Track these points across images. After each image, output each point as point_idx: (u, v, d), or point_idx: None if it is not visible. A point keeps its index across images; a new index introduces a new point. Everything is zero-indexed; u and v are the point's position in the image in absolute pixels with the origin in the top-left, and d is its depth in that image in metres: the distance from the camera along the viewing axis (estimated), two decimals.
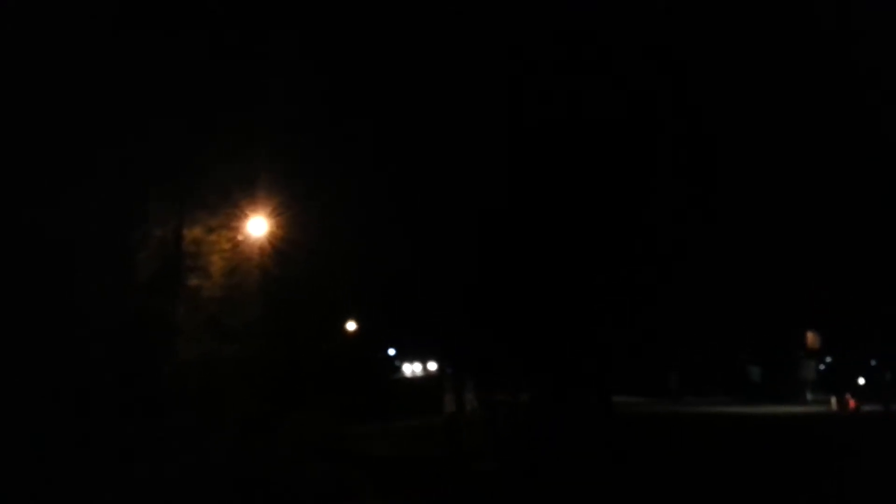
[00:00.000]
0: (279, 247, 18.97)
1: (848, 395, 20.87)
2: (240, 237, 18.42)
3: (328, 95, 20.38)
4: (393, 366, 56.65)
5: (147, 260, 16.96)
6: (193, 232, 17.61)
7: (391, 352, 51.88)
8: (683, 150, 20.00)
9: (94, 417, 12.87)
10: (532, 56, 19.12)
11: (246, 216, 18.23)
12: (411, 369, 65.92)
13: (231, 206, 18.01)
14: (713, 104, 20.59)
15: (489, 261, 21.10)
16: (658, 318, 21.63)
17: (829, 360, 22.37)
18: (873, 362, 21.53)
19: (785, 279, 24.11)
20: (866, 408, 20.29)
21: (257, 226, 18.38)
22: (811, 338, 23.30)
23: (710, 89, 21.25)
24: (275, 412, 16.98)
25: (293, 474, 12.79)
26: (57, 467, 11.05)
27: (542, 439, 16.76)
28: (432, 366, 60.69)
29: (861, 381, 21.78)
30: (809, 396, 23.59)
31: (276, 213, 18.83)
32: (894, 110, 20.86)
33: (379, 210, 22.53)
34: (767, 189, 21.95)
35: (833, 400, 21.08)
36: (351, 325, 32.25)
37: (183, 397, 15.44)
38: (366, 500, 9.84)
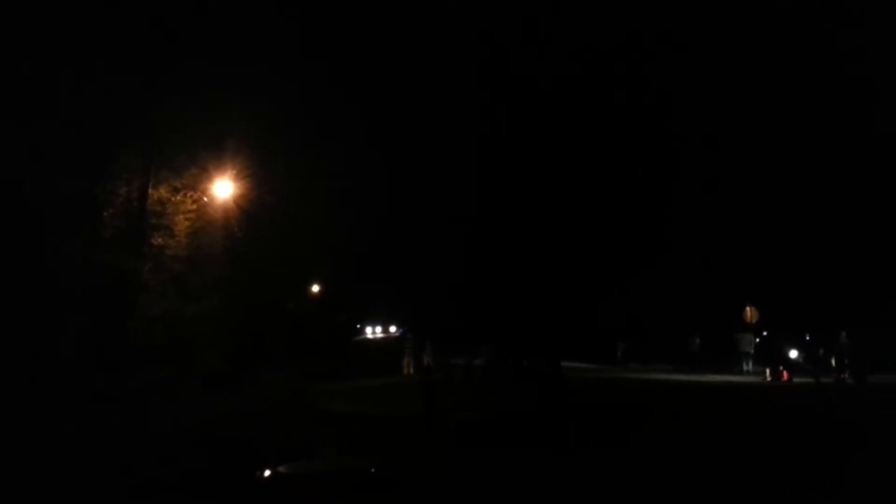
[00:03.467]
0: (245, 209, 19.30)
1: (781, 367, 22.14)
2: (205, 199, 18.70)
3: (300, 58, 20.43)
4: (355, 327, 57.37)
5: (112, 218, 17.14)
6: (159, 191, 17.79)
7: (353, 313, 52.47)
8: (639, 129, 20.70)
9: (62, 373, 13.17)
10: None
11: (212, 178, 18.50)
12: (372, 330, 66.78)
13: (197, 167, 18.24)
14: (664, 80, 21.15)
15: (455, 234, 21.72)
16: (606, 294, 22.70)
17: (765, 333, 23.66)
18: (807, 337, 22.86)
19: (728, 257, 25.45)
20: (798, 380, 21.59)
21: (223, 188, 18.68)
22: (749, 312, 24.55)
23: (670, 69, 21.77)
24: (239, 369, 17.46)
25: (258, 429, 13.28)
26: (25, 423, 11.33)
27: (497, 397, 17.76)
28: (392, 328, 61.58)
29: (794, 354, 23.12)
30: (747, 367, 24.93)
31: (243, 175, 19.12)
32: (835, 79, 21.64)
33: (348, 174, 22.86)
34: (711, 167, 22.87)
35: (767, 371, 22.37)
36: (315, 287, 32.77)
37: (149, 353, 15.84)
38: (331, 455, 10.41)
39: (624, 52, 19.46)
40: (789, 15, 20.73)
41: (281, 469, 7.14)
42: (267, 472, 7.00)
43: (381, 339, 58.15)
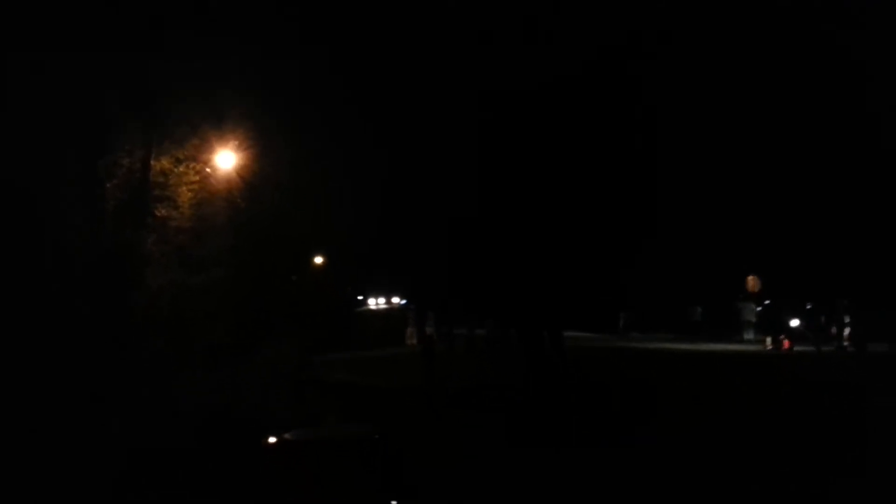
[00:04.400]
0: (248, 180, 19.26)
1: (782, 336, 22.24)
2: (208, 169, 18.64)
3: (302, 29, 20.22)
4: (358, 299, 57.63)
5: (115, 189, 17.13)
6: (161, 163, 17.74)
7: (356, 285, 52.67)
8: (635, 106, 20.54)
9: (66, 347, 13.26)
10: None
11: (214, 149, 18.43)
12: (375, 302, 67.06)
13: (200, 138, 18.15)
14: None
15: (455, 207, 21.67)
16: (608, 265, 22.75)
17: (767, 302, 23.75)
18: (808, 306, 22.92)
19: (729, 227, 25.44)
20: (798, 348, 21.72)
21: (226, 159, 18.62)
22: (752, 281, 24.54)
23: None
24: (243, 341, 17.59)
25: (261, 400, 13.45)
26: (29, 397, 11.43)
27: (495, 366, 17.97)
28: (396, 300, 61.83)
29: (796, 322, 23.19)
30: (748, 336, 25.04)
31: (245, 146, 19.04)
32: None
33: (351, 147, 22.72)
34: (713, 139, 22.75)
35: (768, 340, 22.48)
36: (319, 259, 32.89)
37: (153, 326, 15.95)
38: (334, 423, 10.56)
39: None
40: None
41: (286, 436, 7.26)
42: (272, 439, 7.13)
43: (385, 310, 58.49)
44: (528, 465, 9.31)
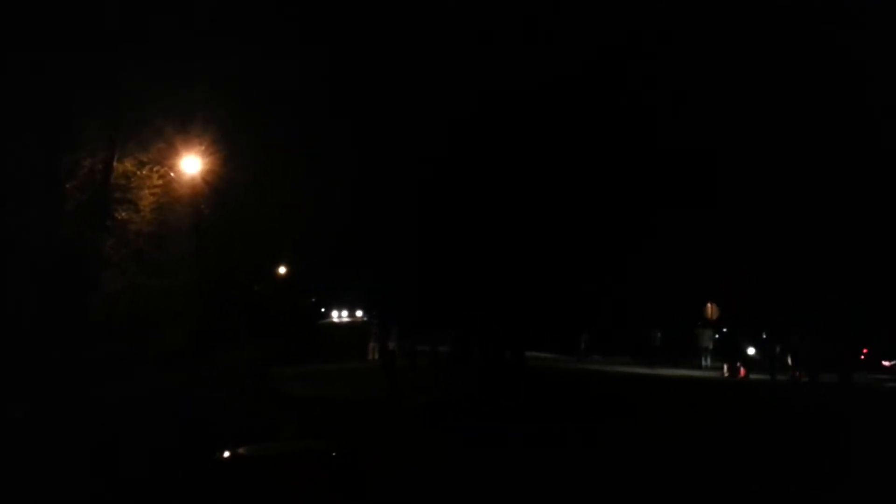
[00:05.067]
0: (213, 186, 18.98)
1: (739, 364, 22.66)
2: (172, 174, 18.32)
3: (271, 32, 20.04)
4: (320, 311, 57.10)
5: (74, 190, 16.72)
6: (124, 165, 17.38)
7: (320, 297, 52.20)
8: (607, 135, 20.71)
9: (20, 346, 12.86)
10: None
11: (179, 153, 18.13)
12: (338, 315, 66.53)
13: (165, 142, 17.84)
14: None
15: (423, 220, 21.62)
16: (571, 287, 22.94)
17: (724, 330, 24.20)
18: (764, 335, 23.44)
19: (690, 255, 25.88)
20: (754, 376, 22.11)
21: (190, 164, 18.32)
22: (710, 308, 25.05)
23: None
24: (201, 348, 17.24)
25: (216, 410, 13.13)
26: None
27: (459, 382, 17.93)
28: (359, 313, 61.43)
29: (752, 351, 23.70)
30: (705, 362, 25.45)
31: (211, 152, 18.77)
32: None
33: (319, 158, 22.56)
34: (680, 171, 23.06)
35: (725, 367, 22.86)
36: (282, 269, 32.48)
37: (108, 329, 15.54)
38: (291, 438, 10.35)
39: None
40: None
41: (240, 451, 7.06)
42: (226, 454, 6.93)
43: (347, 323, 58.04)
44: (488, 478, 9.29)
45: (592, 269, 22.96)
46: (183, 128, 17.86)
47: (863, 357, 23.52)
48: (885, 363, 23.74)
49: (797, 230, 24.58)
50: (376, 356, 23.57)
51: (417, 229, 22.29)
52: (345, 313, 66.68)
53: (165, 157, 17.78)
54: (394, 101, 21.14)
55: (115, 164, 16.91)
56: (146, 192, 17.51)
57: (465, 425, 12.53)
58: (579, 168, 20.35)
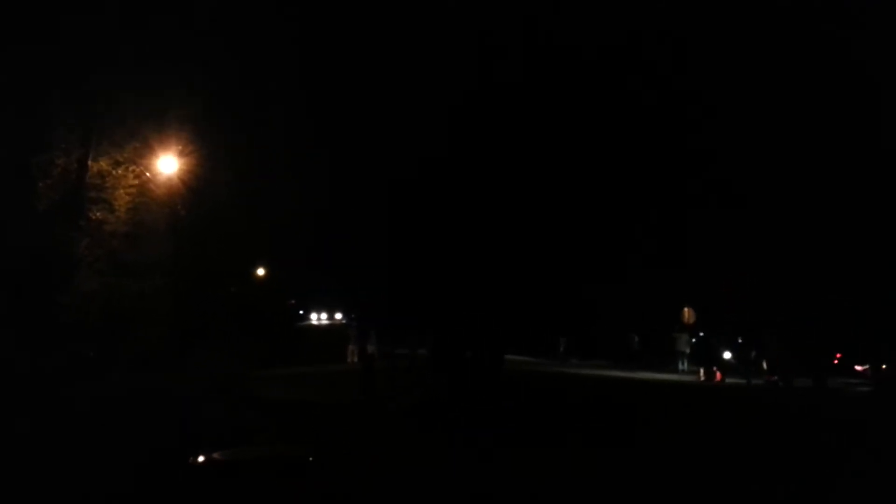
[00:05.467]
0: (190, 186, 18.78)
1: (715, 368, 22.86)
2: (147, 174, 18.10)
3: (249, 32, 19.90)
4: (299, 313, 56.74)
5: (48, 189, 16.46)
6: (99, 164, 17.14)
7: (299, 300, 51.88)
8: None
9: None
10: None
11: (156, 153, 17.92)
12: (317, 317, 66.18)
13: (140, 141, 17.63)
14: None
15: (401, 220, 21.53)
16: (549, 291, 22.99)
17: (701, 334, 24.45)
18: (739, 340, 23.71)
19: (668, 259, 26.11)
20: (730, 380, 22.32)
21: (167, 164, 18.11)
22: (687, 313, 25.27)
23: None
24: (178, 350, 17.02)
25: (191, 413, 12.94)
26: None
27: (437, 385, 17.89)
28: (338, 315, 61.15)
29: (728, 355, 23.92)
30: (682, 366, 25.66)
31: (187, 152, 18.57)
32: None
33: (297, 157, 22.41)
34: (661, 172, 23.20)
35: (701, 371, 23.05)
36: (261, 271, 32.22)
37: (80, 331, 15.29)
38: (267, 442, 10.23)
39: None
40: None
41: (215, 455, 6.96)
42: (201, 458, 6.82)
43: (326, 325, 57.71)
44: (466, 481, 9.26)
45: (571, 272, 23.03)
46: (159, 128, 17.68)
47: (836, 362, 23.86)
48: (858, 368, 24.11)
49: (779, 234, 24.86)
50: (355, 359, 23.45)
51: (388, 230, 22.20)
52: (324, 315, 66.33)
53: (141, 156, 17.57)
54: (368, 99, 21.05)
55: (89, 163, 16.68)
56: (121, 191, 17.28)
57: (442, 428, 12.50)
58: (558, 170, 20.38)
